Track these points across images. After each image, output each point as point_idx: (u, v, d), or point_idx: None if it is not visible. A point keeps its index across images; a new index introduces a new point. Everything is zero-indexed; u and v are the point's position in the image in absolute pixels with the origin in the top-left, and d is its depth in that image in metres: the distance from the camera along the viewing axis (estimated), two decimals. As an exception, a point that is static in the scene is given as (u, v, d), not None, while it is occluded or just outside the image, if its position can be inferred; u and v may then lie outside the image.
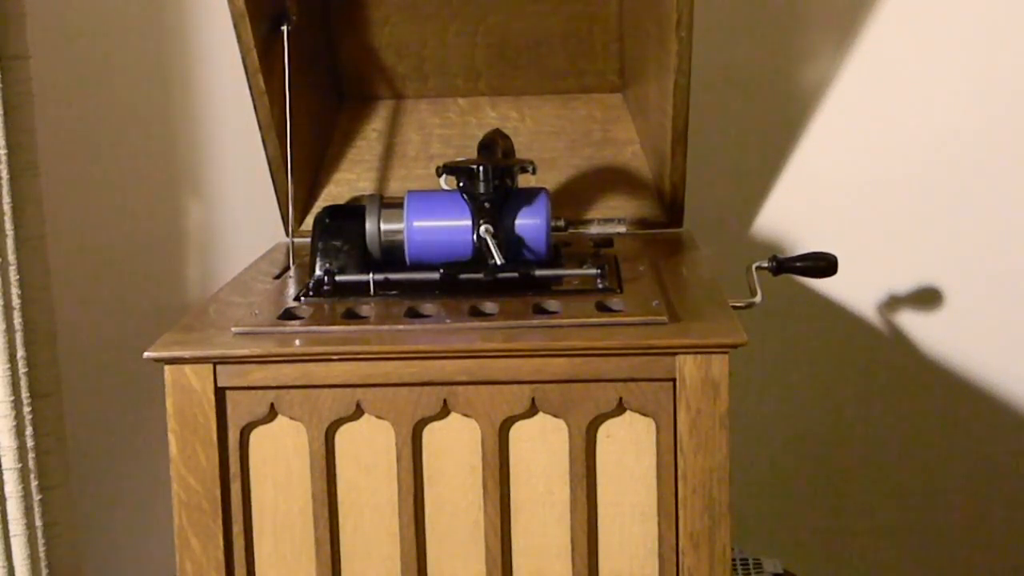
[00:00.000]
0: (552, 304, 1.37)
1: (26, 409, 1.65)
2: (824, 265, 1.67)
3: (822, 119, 1.91)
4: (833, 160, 1.92)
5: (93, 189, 1.90)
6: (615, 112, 1.84)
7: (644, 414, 1.26)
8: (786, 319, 1.95)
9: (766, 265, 1.66)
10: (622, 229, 1.77)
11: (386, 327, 1.31)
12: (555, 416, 1.27)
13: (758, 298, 1.60)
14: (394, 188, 1.82)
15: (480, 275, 1.40)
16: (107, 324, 1.91)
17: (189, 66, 1.90)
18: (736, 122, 1.92)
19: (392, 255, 1.48)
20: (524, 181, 1.50)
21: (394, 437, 1.28)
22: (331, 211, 1.53)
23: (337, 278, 1.43)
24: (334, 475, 1.29)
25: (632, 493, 1.28)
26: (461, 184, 1.46)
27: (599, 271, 1.42)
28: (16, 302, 1.64)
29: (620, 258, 1.57)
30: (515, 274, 1.41)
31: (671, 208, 1.77)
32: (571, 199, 1.79)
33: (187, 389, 1.26)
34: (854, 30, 1.89)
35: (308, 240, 1.54)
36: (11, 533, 1.66)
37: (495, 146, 1.56)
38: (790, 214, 1.94)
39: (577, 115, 1.84)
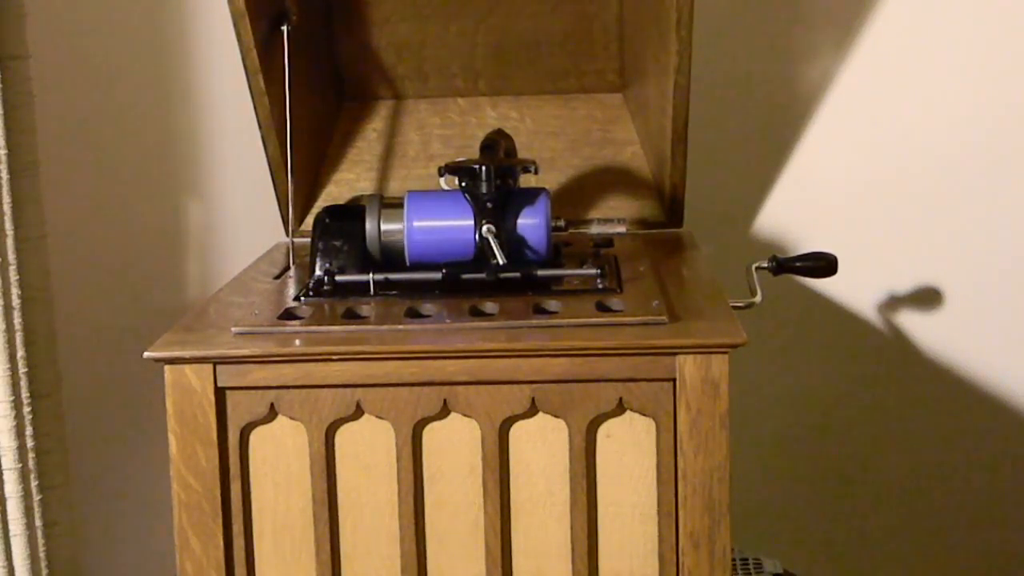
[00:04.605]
0: (552, 304, 1.37)
1: (26, 409, 1.65)
2: (824, 265, 1.67)
3: (822, 119, 1.91)
4: (833, 160, 1.92)
5: (93, 189, 1.90)
6: (615, 112, 1.84)
7: (644, 414, 1.26)
8: (786, 319, 1.95)
9: (766, 265, 1.66)
10: (622, 229, 1.77)
11: (386, 327, 1.31)
12: (555, 416, 1.27)
13: (758, 298, 1.60)
14: (394, 188, 1.82)
15: (482, 275, 1.40)
16: (107, 324, 1.91)
17: (189, 66, 1.90)
18: (736, 122, 1.92)
19: (392, 255, 1.47)
20: (524, 181, 1.50)
21: (394, 437, 1.27)
22: (331, 211, 1.53)
23: (337, 278, 1.43)
24: (334, 475, 1.29)
25: (632, 493, 1.28)
26: (463, 184, 1.46)
27: (599, 271, 1.42)
28: (16, 302, 1.64)
29: (620, 258, 1.57)
30: (517, 274, 1.41)
31: (671, 208, 1.76)
32: (571, 199, 1.79)
33: (187, 389, 1.26)
34: (854, 30, 1.89)
35: (308, 240, 1.54)
36: (11, 533, 1.66)
37: (497, 146, 1.55)
38: (790, 214, 1.94)
39: (577, 115, 1.84)
